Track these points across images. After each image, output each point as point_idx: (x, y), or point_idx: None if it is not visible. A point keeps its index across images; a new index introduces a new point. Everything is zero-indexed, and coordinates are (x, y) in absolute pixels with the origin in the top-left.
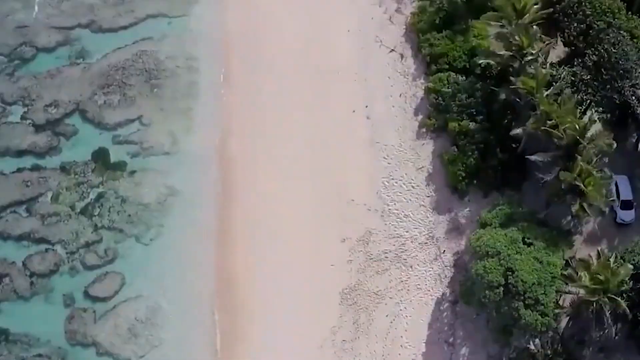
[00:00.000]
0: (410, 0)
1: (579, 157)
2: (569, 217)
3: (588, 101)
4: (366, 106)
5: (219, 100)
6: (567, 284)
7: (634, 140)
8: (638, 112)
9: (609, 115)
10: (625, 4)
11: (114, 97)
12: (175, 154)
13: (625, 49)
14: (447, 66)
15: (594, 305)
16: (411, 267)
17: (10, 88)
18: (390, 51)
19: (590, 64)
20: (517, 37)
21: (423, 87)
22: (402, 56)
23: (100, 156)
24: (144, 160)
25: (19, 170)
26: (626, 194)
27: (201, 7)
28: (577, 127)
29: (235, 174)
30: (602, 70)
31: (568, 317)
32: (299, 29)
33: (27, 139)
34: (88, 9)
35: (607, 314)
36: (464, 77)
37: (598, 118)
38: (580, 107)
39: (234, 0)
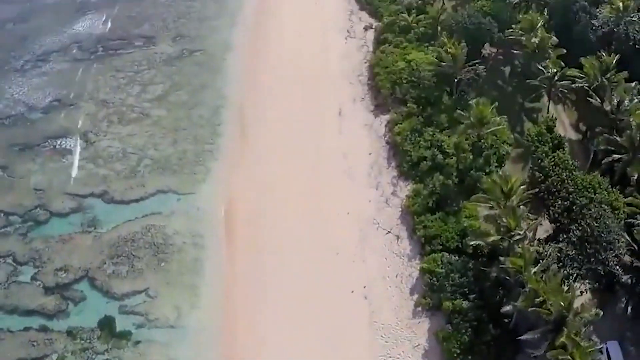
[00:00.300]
0: (405, 183)
1: (566, 331)
2: None
3: (574, 275)
4: (364, 286)
5: (223, 278)
6: None
7: (623, 305)
8: (623, 280)
9: (596, 284)
10: (607, 178)
11: (122, 268)
12: (179, 328)
13: (607, 222)
14: (441, 247)
15: None
16: None
17: (23, 248)
18: (387, 233)
19: (575, 239)
20: (504, 220)
21: (418, 268)
22: (398, 238)
23: (106, 324)
24: (149, 331)
25: (26, 329)
26: (617, 358)
27: (208, 186)
28: (563, 303)
29: (238, 353)
30: (586, 244)
31: None
32: (302, 211)
33: (36, 300)
34: (102, 179)
35: None
36: (457, 257)
37: (585, 289)
38: (567, 281)
39: (239, 182)
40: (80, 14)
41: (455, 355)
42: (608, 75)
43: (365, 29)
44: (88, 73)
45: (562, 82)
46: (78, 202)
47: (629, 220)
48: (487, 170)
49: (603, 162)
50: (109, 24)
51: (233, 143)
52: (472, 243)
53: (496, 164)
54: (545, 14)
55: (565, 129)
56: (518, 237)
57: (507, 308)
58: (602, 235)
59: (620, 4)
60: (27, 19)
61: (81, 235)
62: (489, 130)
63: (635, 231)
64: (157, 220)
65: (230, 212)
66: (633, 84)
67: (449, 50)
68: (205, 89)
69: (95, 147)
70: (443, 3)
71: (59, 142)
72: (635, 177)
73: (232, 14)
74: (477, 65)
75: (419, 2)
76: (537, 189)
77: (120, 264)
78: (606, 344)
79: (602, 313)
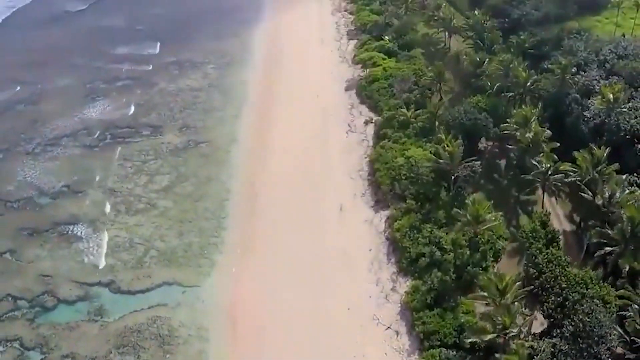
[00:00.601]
0: (404, 279)
1: None
2: None
3: None
4: None
5: None
6: None
7: None
8: None
9: None
10: (601, 269)
11: (128, 358)
12: None
13: (599, 317)
14: (439, 342)
15: None
16: None
17: (30, 333)
18: (387, 328)
19: (568, 334)
20: (499, 318)
21: None
22: (397, 333)
23: None
24: None
25: None
26: None
27: (213, 279)
28: None
29: None
30: (579, 339)
31: None
32: (304, 305)
33: None
34: (109, 268)
35: None
36: (455, 353)
37: None
38: None
39: (243, 276)
40: (90, 99)
41: None
42: (599, 169)
43: (366, 123)
44: (97, 160)
45: (555, 176)
46: (85, 290)
47: (621, 313)
48: (483, 266)
49: (596, 255)
50: (117, 111)
51: (237, 237)
52: (469, 340)
53: (492, 259)
54: (539, 106)
55: (560, 221)
56: (512, 334)
57: None
58: (594, 329)
59: (611, 95)
60: (37, 102)
61: (88, 323)
62: (485, 227)
63: (626, 323)
64: (163, 312)
65: (235, 306)
66: (624, 176)
67: (446, 147)
68: (211, 182)
69: (103, 235)
70: (441, 97)
71: (67, 229)
72: (627, 269)
73: (236, 104)
74: (473, 162)
75: (417, 96)
76: (531, 286)
77: (126, 354)
78: None
79: None
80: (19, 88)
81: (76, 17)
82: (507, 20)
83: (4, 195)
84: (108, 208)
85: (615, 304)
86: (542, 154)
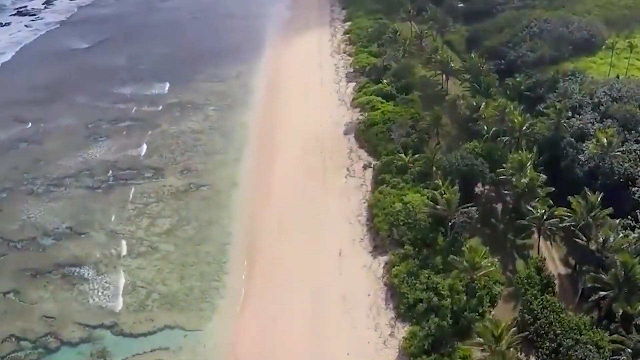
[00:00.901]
0: (402, 324)
1: None
2: None
3: None
4: None
5: None
6: None
7: None
8: None
9: None
10: (596, 312)
11: None
12: None
13: None
14: None
15: None
16: None
17: None
18: None
19: None
20: None
21: None
22: None
23: None
24: None
25: None
26: None
27: (215, 324)
28: None
29: None
30: None
31: None
32: (304, 350)
33: None
34: (112, 311)
35: None
36: None
37: None
38: None
39: (244, 321)
40: (92, 140)
41: None
42: (593, 214)
43: (364, 167)
44: (100, 202)
45: (550, 221)
46: (88, 332)
47: (614, 357)
48: (480, 311)
49: (590, 299)
50: (120, 153)
51: (238, 282)
52: None
53: (489, 304)
54: (534, 150)
55: (555, 264)
56: None
57: None
58: None
59: (605, 139)
60: (41, 141)
61: None
62: (481, 273)
63: None
64: (165, 356)
65: (236, 350)
66: (617, 221)
67: (443, 194)
68: (212, 225)
69: (106, 278)
70: (438, 142)
71: (70, 271)
72: (620, 313)
73: (237, 147)
74: (470, 208)
75: (415, 140)
76: (527, 332)
77: None
78: None
79: None
80: (23, 126)
81: (81, 55)
82: (503, 62)
83: (7, 234)
84: (111, 251)
85: (609, 349)
86: (537, 199)
